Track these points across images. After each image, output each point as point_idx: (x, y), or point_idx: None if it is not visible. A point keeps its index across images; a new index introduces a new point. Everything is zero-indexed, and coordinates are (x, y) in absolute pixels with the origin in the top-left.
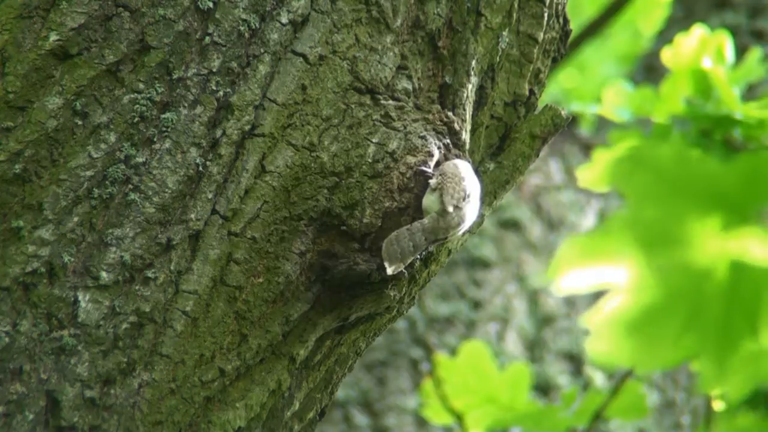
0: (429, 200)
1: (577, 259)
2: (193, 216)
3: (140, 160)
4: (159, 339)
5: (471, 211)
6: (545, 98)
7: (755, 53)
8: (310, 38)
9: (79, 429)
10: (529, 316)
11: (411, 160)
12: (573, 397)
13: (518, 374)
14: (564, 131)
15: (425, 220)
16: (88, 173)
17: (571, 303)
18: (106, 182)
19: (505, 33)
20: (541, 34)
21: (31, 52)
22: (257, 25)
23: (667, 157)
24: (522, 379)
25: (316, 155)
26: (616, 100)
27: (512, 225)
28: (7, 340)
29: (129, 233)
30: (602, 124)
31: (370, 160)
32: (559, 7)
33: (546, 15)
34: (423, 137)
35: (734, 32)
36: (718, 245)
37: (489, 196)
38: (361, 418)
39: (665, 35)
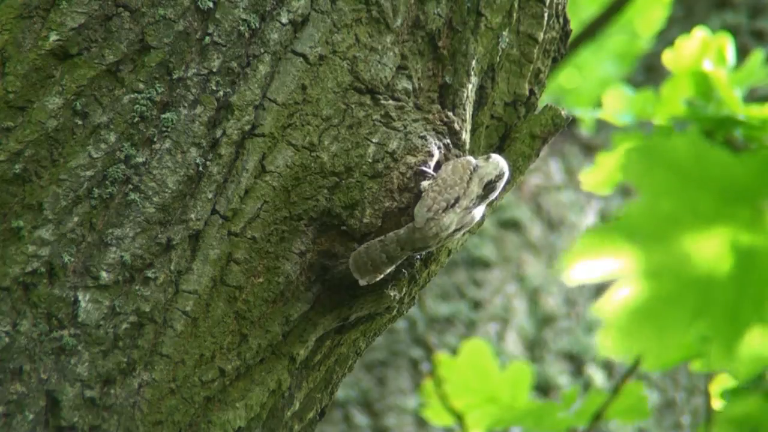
0: (417, 207)
1: (590, 249)
2: (193, 216)
3: (140, 160)
4: (159, 339)
5: (455, 218)
6: (545, 98)
7: (757, 55)
8: (310, 38)
9: (79, 429)
10: (529, 316)
11: (411, 160)
12: (573, 397)
13: (519, 373)
14: (564, 131)
15: (400, 231)
16: (88, 173)
17: (571, 303)
18: (106, 182)
19: (505, 33)
20: (541, 34)
21: (31, 52)
22: (257, 25)
23: (682, 149)
24: (523, 378)
25: (316, 155)
26: (617, 103)
27: (512, 225)
28: (7, 340)
29: (129, 233)
30: (602, 124)
31: (370, 160)
32: (559, 7)
33: (546, 15)
34: (423, 137)
35: (734, 32)
36: (729, 234)
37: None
38: (361, 418)
39: (665, 35)
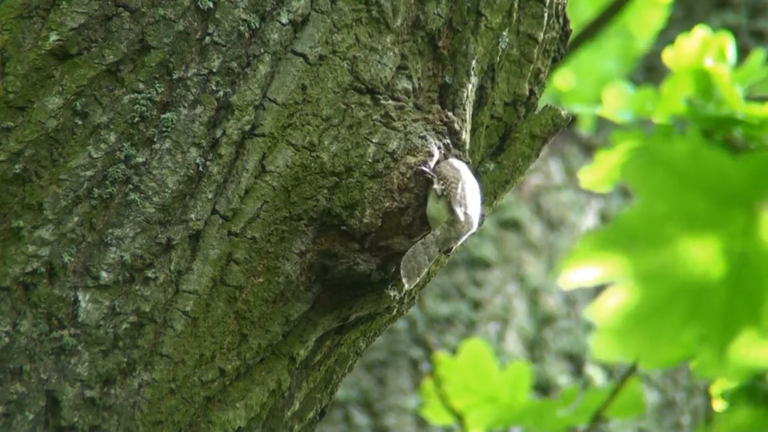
0: (435, 208)
1: (588, 254)
2: (193, 216)
3: (140, 160)
4: (159, 339)
5: (475, 212)
6: (545, 98)
7: (758, 55)
8: (310, 38)
9: (79, 429)
10: (529, 316)
11: (411, 160)
12: (573, 395)
13: (519, 373)
14: (564, 131)
15: (437, 232)
16: (88, 173)
17: (571, 302)
18: (106, 182)
19: (505, 33)
20: (541, 34)
21: (31, 52)
22: (257, 25)
23: (680, 152)
24: (523, 378)
25: (316, 155)
26: (617, 101)
27: (512, 225)
28: (7, 340)
29: (129, 233)
30: (602, 124)
31: (370, 160)
32: (559, 8)
33: (546, 15)
34: (423, 137)
35: (734, 32)
36: (723, 238)
37: (489, 196)
38: (361, 418)
39: (665, 35)
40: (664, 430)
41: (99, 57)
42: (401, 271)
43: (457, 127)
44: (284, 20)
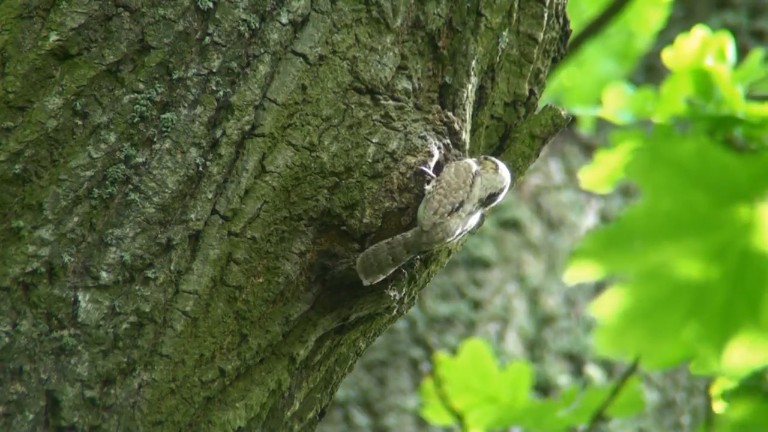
0: (421, 210)
1: (592, 251)
2: (193, 216)
3: (140, 160)
4: (159, 339)
5: (460, 222)
6: (545, 98)
7: (756, 54)
8: (310, 38)
9: (79, 429)
10: (529, 316)
11: (411, 160)
12: (573, 395)
13: (519, 373)
14: (564, 131)
15: (408, 234)
16: (88, 173)
17: (571, 302)
18: (106, 182)
19: (505, 33)
20: (541, 35)
21: (31, 52)
22: (257, 25)
23: (686, 150)
24: (522, 378)
25: (316, 155)
26: (617, 102)
27: (512, 225)
28: (7, 340)
29: (129, 233)
30: (602, 124)
31: (370, 160)
32: (559, 8)
33: (546, 15)
34: (423, 137)
35: (734, 32)
36: (724, 237)
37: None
38: (361, 418)
39: (665, 35)
40: (664, 430)
41: (99, 57)
42: (357, 267)
43: (457, 127)
44: (284, 20)
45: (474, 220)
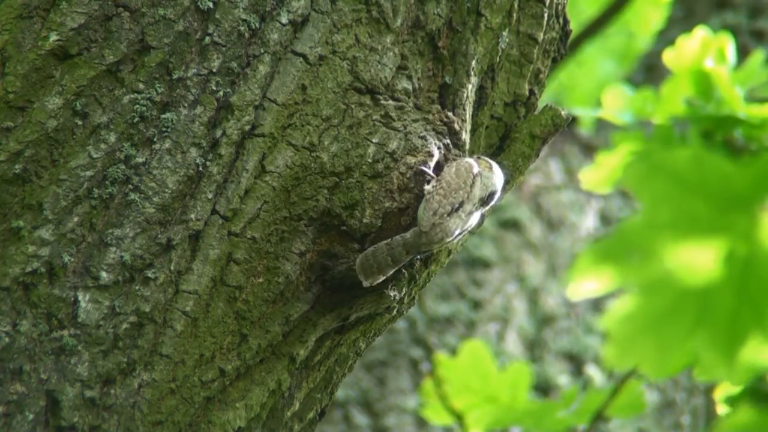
0: (420, 210)
1: (592, 265)
2: (193, 216)
3: (140, 160)
4: (159, 339)
5: (460, 222)
6: (545, 98)
7: (757, 56)
8: (310, 38)
9: (79, 429)
10: (529, 316)
11: (411, 160)
12: (573, 396)
13: (518, 374)
14: (564, 131)
15: (407, 234)
16: (88, 173)
17: (571, 303)
18: (106, 182)
19: (505, 33)
20: (541, 35)
21: (31, 52)
22: (257, 25)
23: (681, 158)
24: (522, 378)
25: (316, 155)
26: (617, 103)
27: (512, 225)
28: (7, 340)
29: (129, 233)
30: (602, 124)
31: (370, 160)
32: (559, 8)
33: (546, 15)
34: (423, 137)
35: (734, 32)
36: (727, 243)
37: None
38: (361, 418)
39: (665, 35)
40: (664, 430)
41: (99, 57)
42: (357, 268)
43: (457, 127)
44: (284, 20)
45: (474, 219)
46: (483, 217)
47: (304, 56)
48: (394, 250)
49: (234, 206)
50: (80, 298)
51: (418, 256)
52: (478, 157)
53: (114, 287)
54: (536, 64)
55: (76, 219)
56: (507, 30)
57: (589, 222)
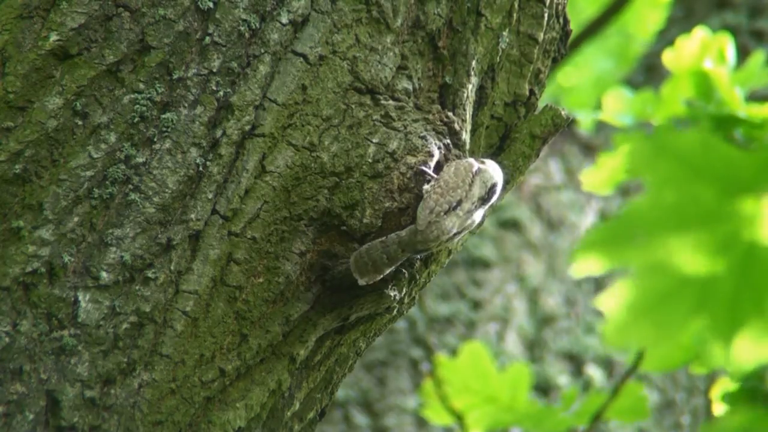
0: (419, 209)
1: (596, 244)
2: (193, 216)
3: (140, 160)
4: (159, 339)
5: (457, 221)
6: (545, 98)
7: (758, 57)
8: (310, 38)
9: (79, 429)
10: (529, 316)
11: (411, 160)
12: (573, 397)
13: (518, 374)
14: (564, 131)
15: (402, 233)
16: (89, 173)
17: (571, 303)
18: (107, 182)
19: (505, 33)
20: (542, 35)
21: (31, 52)
22: (257, 25)
23: (689, 141)
24: (522, 379)
25: (316, 155)
26: (617, 105)
27: (512, 225)
28: (7, 340)
29: (129, 233)
30: (602, 124)
31: (370, 160)
32: (559, 8)
33: (546, 15)
34: (423, 137)
35: (734, 32)
36: (730, 229)
37: None
38: (361, 418)
39: (665, 35)
40: (664, 430)
41: (99, 57)
42: (351, 265)
43: (457, 127)
44: (284, 20)
45: (477, 218)
46: (483, 217)
47: (304, 56)
48: (389, 248)
49: (234, 206)
50: (80, 298)
51: (418, 256)
52: (476, 160)
53: (114, 287)
54: (536, 64)
55: (76, 219)
56: (507, 30)
57: (589, 222)
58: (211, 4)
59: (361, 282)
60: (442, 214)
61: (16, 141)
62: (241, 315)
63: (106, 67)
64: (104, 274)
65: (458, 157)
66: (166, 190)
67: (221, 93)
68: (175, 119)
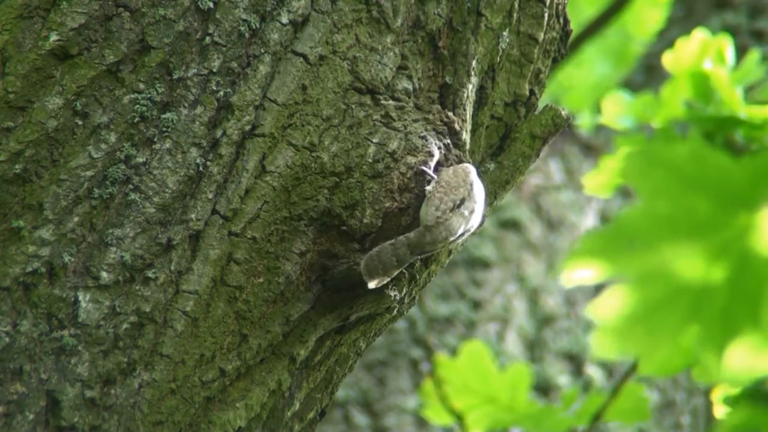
0: (423, 209)
1: (588, 253)
2: (193, 216)
3: (140, 160)
4: (159, 339)
5: (462, 220)
6: (545, 98)
7: (753, 55)
8: (310, 38)
9: (79, 429)
10: (529, 316)
11: (411, 160)
12: (573, 397)
13: (518, 374)
14: (564, 131)
15: (410, 234)
16: (89, 173)
17: (571, 302)
18: (107, 182)
19: (505, 33)
20: (542, 35)
21: (31, 52)
22: (257, 25)
23: (682, 152)
24: (522, 379)
25: (316, 155)
26: (617, 108)
27: (512, 225)
28: (7, 340)
29: (129, 233)
30: (602, 125)
31: (370, 160)
32: (560, 8)
33: (546, 15)
34: (423, 137)
35: (734, 32)
36: (724, 240)
37: (489, 196)
38: (361, 418)
39: (665, 35)
40: (664, 430)
41: (99, 57)
42: (362, 269)
43: (457, 127)
44: (284, 20)
45: (476, 219)
46: (484, 217)
47: (304, 56)
48: (399, 250)
49: (234, 206)
50: (80, 298)
51: (419, 257)
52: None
53: (114, 287)
54: (536, 64)
55: (76, 219)
56: (507, 30)
57: (589, 222)
58: (211, 4)
59: (371, 285)
60: (448, 211)
61: (16, 141)
62: (241, 315)
63: (106, 67)
64: (104, 274)
65: (458, 157)
66: (166, 190)
67: (221, 93)
68: (176, 119)
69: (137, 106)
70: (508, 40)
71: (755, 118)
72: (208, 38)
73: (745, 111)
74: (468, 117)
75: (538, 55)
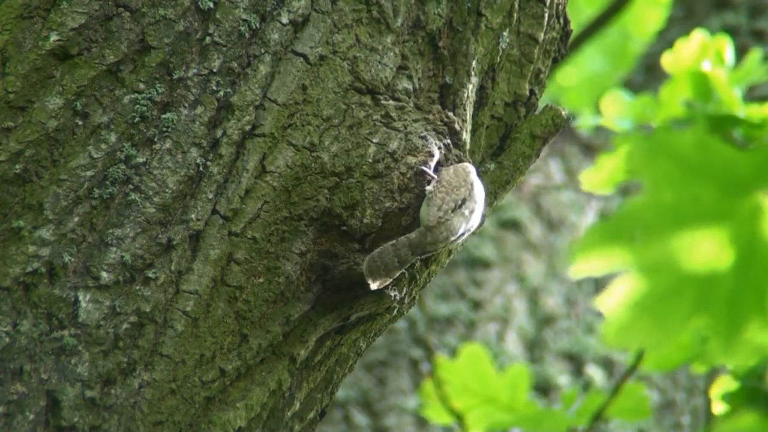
0: (424, 210)
1: (594, 244)
2: (193, 216)
3: (141, 160)
4: (159, 339)
5: (463, 220)
6: (545, 98)
7: (755, 54)
8: (310, 38)
9: (79, 429)
10: (529, 316)
11: (411, 160)
12: (573, 397)
13: (518, 375)
14: (564, 131)
15: (411, 235)
16: (89, 173)
17: (571, 303)
18: (107, 182)
19: (505, 33)
20: (542, 35)
21: (31, 52)
22: (258, 25)
23: (687, 141)
24: (522, 380)
25: (316, 155)
26: (616, 108)
27: (512, 225)
28: (7, 340)
29: (129, 233)
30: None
31: (370, 161)
32: (560, 8)
33: (546, 15)
34: (423, 137)
35: (734, 32)
36: (730, 228)
37: (489, 196)
38: (361, 418)
39: (665, 35)
40: (664, 430)
41: (99, 57)
42: (364, 270)
43: (457, 127)
44: (284, 20)
45: (476, 219)
46: (484, 217)
47: (304, 56)
48: (400, 251)
49: (234, 206)
50: (81, 298)
51: (420, 257)
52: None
53: (114, 287)
54: (537, 64)
55: (76, 219)
56: (507, 30)
57: (589, 222)
58: (211, 4)
59: (373, 286)
60: (449, 212)
61: (16, 141)
62: (241, 315)
63: (106, 67)
64: (104, 274)
65: (458, 157)
66: (167, 190)
67: (221, 93)
68: (176, 119)
69: (137, 106)
70: (508, 40)
71: (754, 118)
72: (208, 38)
73: (743, 110)
74: (468, 117)
75: (538, 55)
